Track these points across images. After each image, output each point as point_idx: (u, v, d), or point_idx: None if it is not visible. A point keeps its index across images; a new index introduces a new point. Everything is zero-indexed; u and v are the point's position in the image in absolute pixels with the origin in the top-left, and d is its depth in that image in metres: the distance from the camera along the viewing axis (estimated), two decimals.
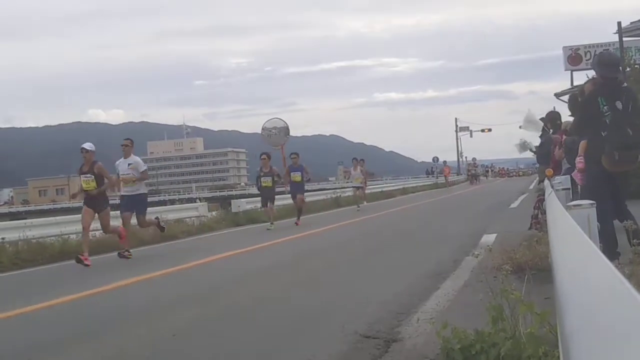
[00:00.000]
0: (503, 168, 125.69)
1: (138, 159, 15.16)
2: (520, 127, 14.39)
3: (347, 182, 35.91)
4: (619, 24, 28.70)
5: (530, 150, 14.63)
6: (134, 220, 15.28)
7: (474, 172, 75.88)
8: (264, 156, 21.70)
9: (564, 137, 11.74)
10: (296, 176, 22.57)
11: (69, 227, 17.08)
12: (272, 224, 20.60)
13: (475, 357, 4.35)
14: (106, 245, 15.97)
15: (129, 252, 14.07)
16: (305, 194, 26.13)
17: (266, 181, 21.15)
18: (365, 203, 32.43)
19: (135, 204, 14.85)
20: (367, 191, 35.93)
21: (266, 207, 21.15)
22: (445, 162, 79.91)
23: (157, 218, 16.33)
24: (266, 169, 21.30)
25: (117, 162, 15.10)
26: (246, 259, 12.95)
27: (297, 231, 18.26)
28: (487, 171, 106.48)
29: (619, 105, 7.52)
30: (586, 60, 39.15)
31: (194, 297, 8.69)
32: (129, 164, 14.82)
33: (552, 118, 13.91)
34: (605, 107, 7.56)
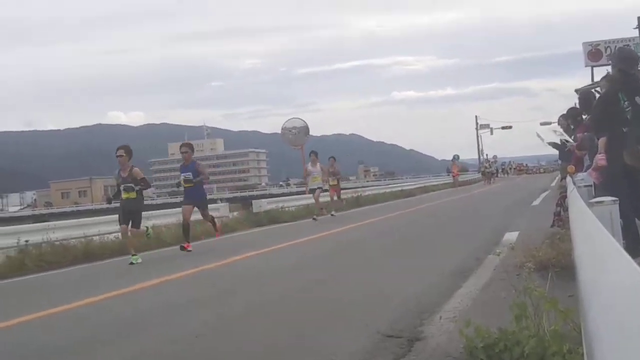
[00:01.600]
0: (521, 164, 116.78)
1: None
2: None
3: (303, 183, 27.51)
4: (639, 18, 28.51)
5: (554, 145, 14.51)
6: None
7: (489, 170, 68.50)
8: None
9: (583, 134, 11.66)
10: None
11: (92, 229, 17.23)
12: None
13: (498, 356, 4.34)
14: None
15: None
16: (326, 193, 26.27)
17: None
18: (333, 213, 25.33)
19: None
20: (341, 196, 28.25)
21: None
22: (454, 158, 68.48)
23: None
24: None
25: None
26: (268, 259, 12.97)
27: (319, 230, 18.26)
28: (510, 168, 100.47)
29: (638, 100, 7.47)
30: (606, 55, 38.91)
31: (215, 297, 8.72)
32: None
33: (573, 114, 13.82)
34: (625, 103, 7.51)
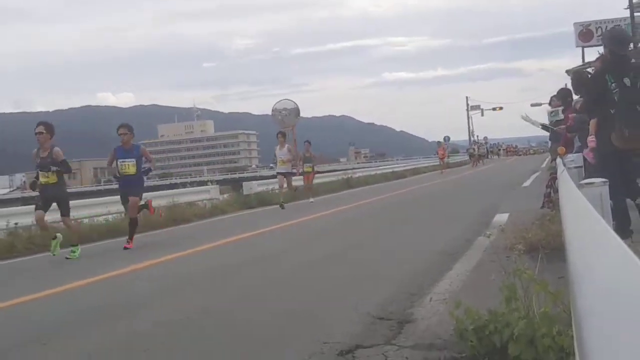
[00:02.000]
0: (511, 145, 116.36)
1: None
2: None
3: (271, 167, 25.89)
4: None
5: (542, 126, 14.54)
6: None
7: (477, 152, 66.94)
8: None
9: (574, 115, 11.68)
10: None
11: (81, 211, 17.18)
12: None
13: (489, 337, 4.35)
14: (118, 230, 16.03)
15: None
16: (318, 174, 26.34)
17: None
18: (312, 199, 24.39)
19: None
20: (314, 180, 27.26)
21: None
22: (442, 140, 65.27)
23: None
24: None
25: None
26: (257, 242, 12.97)
27: (309, 213, 18.27)
28: (499, 150, 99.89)
29: (627, 82, 7.45)
30: (597, 36, 38.90)
31: (206, 281, 8.73)
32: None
33: (563, 95, 13.84)
34: (613, 84, 7.50)
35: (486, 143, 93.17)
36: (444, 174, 45.44)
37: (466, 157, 79.87)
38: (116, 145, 13.69)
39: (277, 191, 25.76)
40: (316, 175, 27.72)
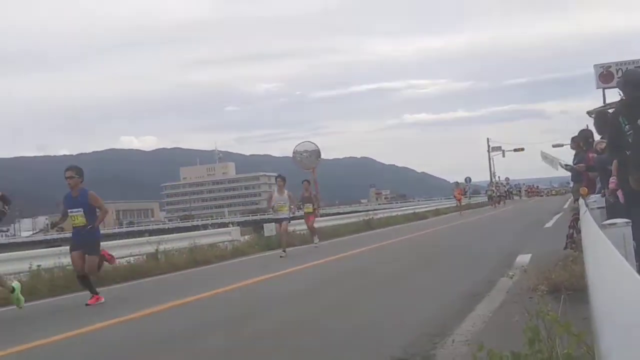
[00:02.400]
0: (533, 186, 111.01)
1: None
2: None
3: (270, 213, 23.15)
4: None
5: (561, 165, 14.50)
6: None
7: (495, 193, 64.82)
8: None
9: (594, 155, 11.64)
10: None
11: None
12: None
13: None
14: (141, 271, 16.11)
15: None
16: (337, 216, 26.21)
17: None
18: (317, 242, 23.23)
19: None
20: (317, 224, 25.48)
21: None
22: (462, 181, 63.79)
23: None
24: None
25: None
26: (278, 283, 12.95)
27: (328, 255, 18.22)
28: (519, 191, 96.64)
29: None
30: (617, 77, 38.85)
31: (226, 323, 8.71)
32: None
33: (584, 136, 13.81)
34: (627, 127, 7.47)
35: (507, 184, 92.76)
36: (463, 215, 44.25)
37: (485, 199, 78.18)
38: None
39: (298, 232, 25.81)
40: (336, 216, 27.60)
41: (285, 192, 20.99)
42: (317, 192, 25.31)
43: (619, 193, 8.32)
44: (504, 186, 75.43)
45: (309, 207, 23.67)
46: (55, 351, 7.64)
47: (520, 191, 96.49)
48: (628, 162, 7.49)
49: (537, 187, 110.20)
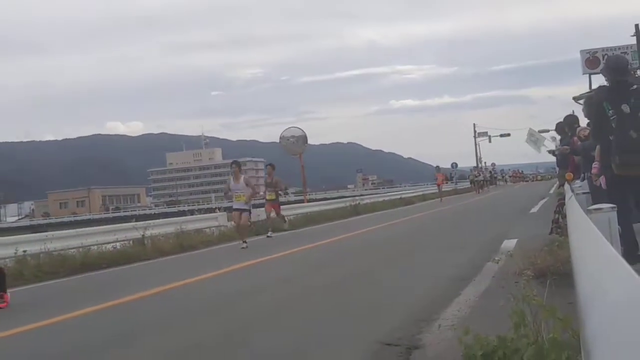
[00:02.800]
0: (517, 171, 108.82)
1: None
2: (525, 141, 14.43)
3: (228, 202, 21.61)
4: (637, 26, 28.64)
5: (546, 148, 14.55)
6: None
7: (479, 179, 61.68)
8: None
9: (578, 142, 11.69)
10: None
11: (89, 239, 17.21)
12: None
13: None
14: (128, 256, 16.11)
15: None
16: (325, 201, 26.12)
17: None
18: (270, 234, 21.39)
19: None
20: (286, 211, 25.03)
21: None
22: (439, 167, 54.79)
23: None
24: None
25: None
26: (265, 268, 12.95)
27: (317, 239, 18.23)
28: (504, 176, 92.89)
29: (625, 108, 7.44)
30: (604, 63, 38.94)
31: (212, 308, 8.70)
32: None
33: (570, 122, 13.85)
34: (610, 112, 7.50)
35: (493, 169, 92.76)
36: (443, 202, 42.60)
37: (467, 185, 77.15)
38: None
39: (286, 218, 25.73)
40: (323, 201, 27.57)
41: (242, 178, 18.60)
42: (304, 178, 25.11)
43: (601, 179, 8.37)
44: (489, 171, 72.88)
45: (271, 194, 22.10)
46: (46, 336, 7.62)
47: (504, 176, 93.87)
48: (611, 147, 7.52)
49: (522, 172, 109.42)
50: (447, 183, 67.93)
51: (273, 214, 22.81)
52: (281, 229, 22.74)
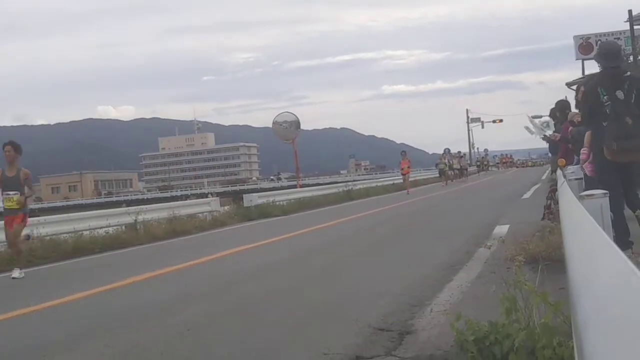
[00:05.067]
0: (507, 156, 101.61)
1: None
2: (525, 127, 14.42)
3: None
4: (630, 12, 28.60)
5: (544, 138, 14.54)
6: None
7: (448, 167, 48.39)
8: None
9: (570, 128, 11.70)
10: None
11: (82, 223, 17.19)
12: None
13: (489, 349, 4.35)
14: (120, 241, 16.10)
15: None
16: (318, 187, 26.10)
17: None
18: (18, 274, 11.87)
19: None
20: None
21: None
22: (404, 152, 43.17)
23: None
24: None
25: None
26: (258, 254, 12.96)
27: (309, 225, 18.24)
28: (488, 163, 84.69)
29: (620, 95, 7.46)
30: (597, 48, 38.93)
31: (207, 292, 8.71)
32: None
33: (561, 107, 13.86)
34: (605, 97, 7.52)
35: (486, 155, 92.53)
36: (410, 194, 35.58)
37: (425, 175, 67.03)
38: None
39: (278, 203, 25.69)
40: (315, 187, 27.45)
41: (19, 170, 12.47)
42: (297, 163, 25.01)
43: (586, 166, 8.39)
44: (464, 158, 61.50)
45: (10, 200, 12.25)
46: (38, 320, 7.62)
47: (488, 163, 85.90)
48: (606, 134, 7.53)
49: (510, 156, 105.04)
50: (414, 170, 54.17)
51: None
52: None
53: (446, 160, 48.55)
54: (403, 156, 41.13)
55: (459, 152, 60.41)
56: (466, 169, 57.10)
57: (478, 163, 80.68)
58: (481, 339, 4.40)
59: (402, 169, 40.05)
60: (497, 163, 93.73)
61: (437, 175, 50.26)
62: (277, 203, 26.73)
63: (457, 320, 4.64)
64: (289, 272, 10.05)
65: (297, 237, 15.56)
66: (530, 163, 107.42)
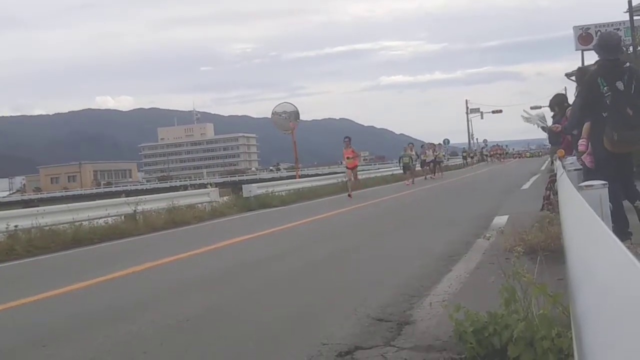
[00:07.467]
0: (498, 146, 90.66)
1: None
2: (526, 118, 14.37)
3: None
4: (630, 2, 28.48)
5: (543, 128, 14.52)
6: None
7: (411, 159, 37.91)
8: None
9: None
10: None
11: (81, 214, 17.18)
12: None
13: (488, 339, 4.35)
14: (120, 232, 16.11)
15: None
16: (317, 177, 26.10)
17: None
18: None
19: None
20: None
21: None
22: (347, 138, 29.55)
23: None
24: None
25: None
26: (257, 244, 12.96)
27: (308, 215, 18.25)
28: (471, 155, 78.25)
29: (620, 85, 7.45)
30: (596, 39, 38.85)
31: (206, 282, 8.72)
32: None
33: (559, 101, 13.83)
34: (605, 88, 7.51)
35: (485, 146, 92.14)
36: (351, 197, 25.88)
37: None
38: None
39: (277, 194, 25.63)
40: (315, 177, 27.32)
41: None
42: (296, 153, 24.93)
43: (585, 157, 8.38)
44: (441, 148, 51.61)
45: None
46: (38, 310, 7.63)
47: (473, 155, 79.17)
48: (606, 124, 7.53)
49: (500, 146, 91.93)
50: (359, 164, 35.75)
51: None
52: None
53: (413, 152, 39.23)
54: (346, 144, 29.14)
55: (484, 141, 51.33)
56: (441, 162, 46.98)
57: (464, 154, 76.37)
58: (480, 330, 4.41)
59: (346, 160, 29.33)
60: (486, 155, 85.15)
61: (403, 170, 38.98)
62: (276, 193, 26.75)
63: (456, 310, 4.64)
64: (288, 263, 10.05)
65: (296, 228, 15.57)
66: (528, 154, 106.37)
